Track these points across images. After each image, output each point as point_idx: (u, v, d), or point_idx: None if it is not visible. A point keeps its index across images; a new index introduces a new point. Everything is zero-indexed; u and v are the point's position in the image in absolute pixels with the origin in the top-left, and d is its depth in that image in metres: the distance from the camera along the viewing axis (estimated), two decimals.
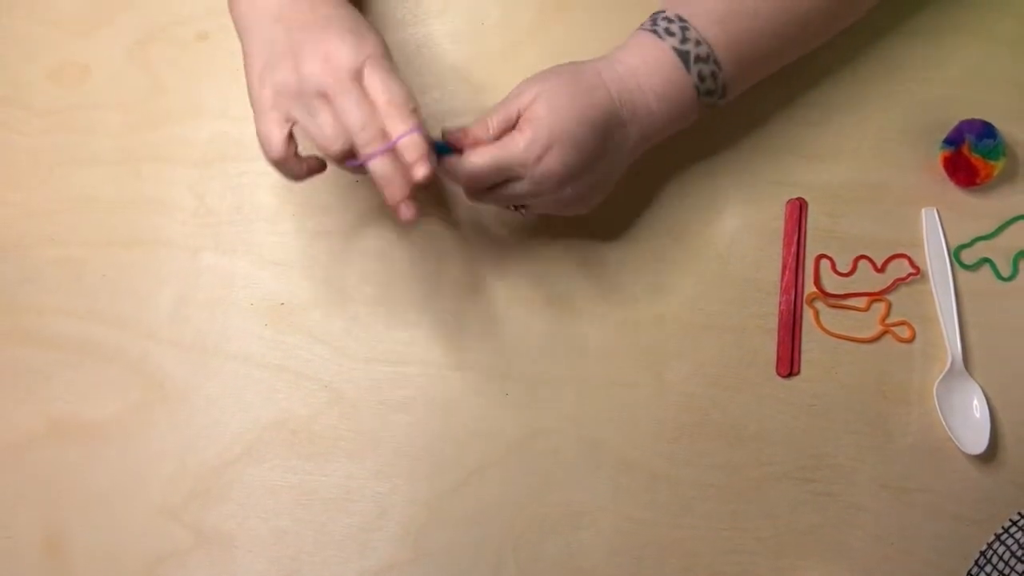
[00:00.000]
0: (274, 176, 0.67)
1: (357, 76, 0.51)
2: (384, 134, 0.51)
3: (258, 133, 0.53)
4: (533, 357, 0.66)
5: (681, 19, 0.58)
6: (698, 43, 0.57)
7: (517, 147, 0.55)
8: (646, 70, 0.58)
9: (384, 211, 0.67)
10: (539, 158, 0.55)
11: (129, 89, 0.69)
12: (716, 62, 0.58)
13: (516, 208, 0.63)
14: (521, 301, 0.67)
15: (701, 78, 0.58)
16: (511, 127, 0.57)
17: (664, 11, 0.59)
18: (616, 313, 0.67)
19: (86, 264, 0.67)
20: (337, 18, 0.53)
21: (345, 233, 0.67)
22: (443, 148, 0.56)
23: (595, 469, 0.65)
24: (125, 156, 0.68)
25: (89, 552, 0.65)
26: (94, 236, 0.67)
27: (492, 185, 0.57)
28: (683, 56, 0.57)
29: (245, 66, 0.55)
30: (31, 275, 0.67)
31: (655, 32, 0.58)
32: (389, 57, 0.53)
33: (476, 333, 0.66)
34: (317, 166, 0.56)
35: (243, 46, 0.55)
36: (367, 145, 0.51)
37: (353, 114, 0.51)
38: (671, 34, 0.57)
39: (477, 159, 0.55)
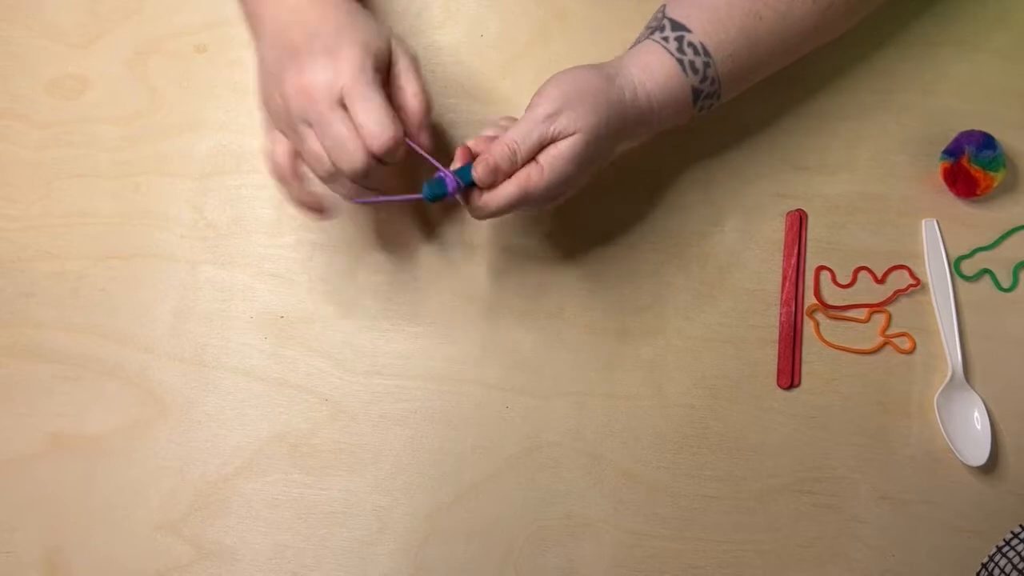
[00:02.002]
0: (274, 189, 0.67)
1: (335, 103, 0.52)
2: (364, 154, 0.52)
3: (263, 149, 0.54)
4: (533, 371, 0.66)
5: (679, 26, 0.58)
6: (696, 52, 0.58)
7: (539, 187, 0.55)
8: (652, 83, 0.58)
9: (384, 225, 0.67)
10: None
11: (128, 102, 0.69)
12: (716, 74, 0.58)
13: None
14: (521, 315, 0.67)
15: (701, 81, 0.58)
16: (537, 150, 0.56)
17: (664, 17, 0.59)
18: (616, 325, 0.67)
19: (85, 278, 0.67)
20: (318, 38, 0.53)
21: (345, 246, 0.67)
22: (466, 173, 0.55)
23: (596, 482, 0.65)
24: (124, 170, 0.68)
25: (89, 567, 0.64)
26: (93, 250, 0.67)
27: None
28: (682, 65, 0.57)
29: (257, 80, 0.56)
30: (30, 289, 0.67)
31: (656, 43, 0.59)
32: (372, 72, 0.52)
33: (476, 347, 0.66)
34: (315, 203, 0.57)
35: (257, 61, 0.57)
36: (348, 169, 0.52)
37: (329, 142, 0.52)
38: (667, 40, 0.58)
39: (505, 196, 0.55)
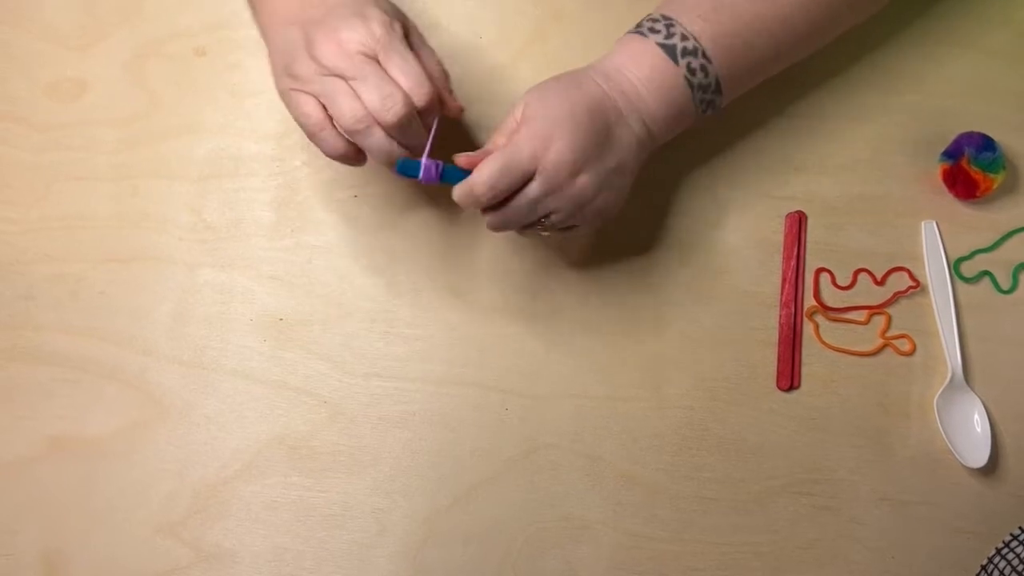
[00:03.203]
0: (272, 191, 0.68)
1: (370, 58, 0.53)
2: (406, 103, 0.53)
3: (294, 118, 0.55)
4: (532, 372, 0.66)
5: (666, 17, 0.59)
6: (684, 37, 0.58)
7: (519, 146, 0.55)
8: (633, 64, 0.58)
9: (382, 226, 0.67)
10: (545, 149, 0.55)
11: (126, 105, 0.69)
12: (705, 55, 0.58)
13: (542, 226, 0.60)
14: (520, 316, 0.67)
15: (691, 71, 0.58)
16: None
17: (650, 14, 0.60)
18: (615, 327, 0.67)
19: (84, 281, 0.67)
20: (345, 6, 0.54)
21: (343, 248, 0.67)
22: (456, 174, 0.56)
23: (595, 484, 0.65)
24: (122, 172, 0.68)
25: (89, 570, 0.64)
26: (92, 253, 0.67)
27: (511, 195, 0.57)
28: (668, 49, 0.58)
29: (271, 67, 0.56)
30: (29, 292, 0.67)
31: (640, 33, 0.59)
32: (401, 34, 0.54)
33: (475, 348, 0.66)
34: (351, 150, 0.56)
35: (268, 49, 0.57)
36: (390, 118, 0.53)
37: (370, 94, 0.52)
38: (655, 32, 0.59)
39: (487, 167, 0.55)
